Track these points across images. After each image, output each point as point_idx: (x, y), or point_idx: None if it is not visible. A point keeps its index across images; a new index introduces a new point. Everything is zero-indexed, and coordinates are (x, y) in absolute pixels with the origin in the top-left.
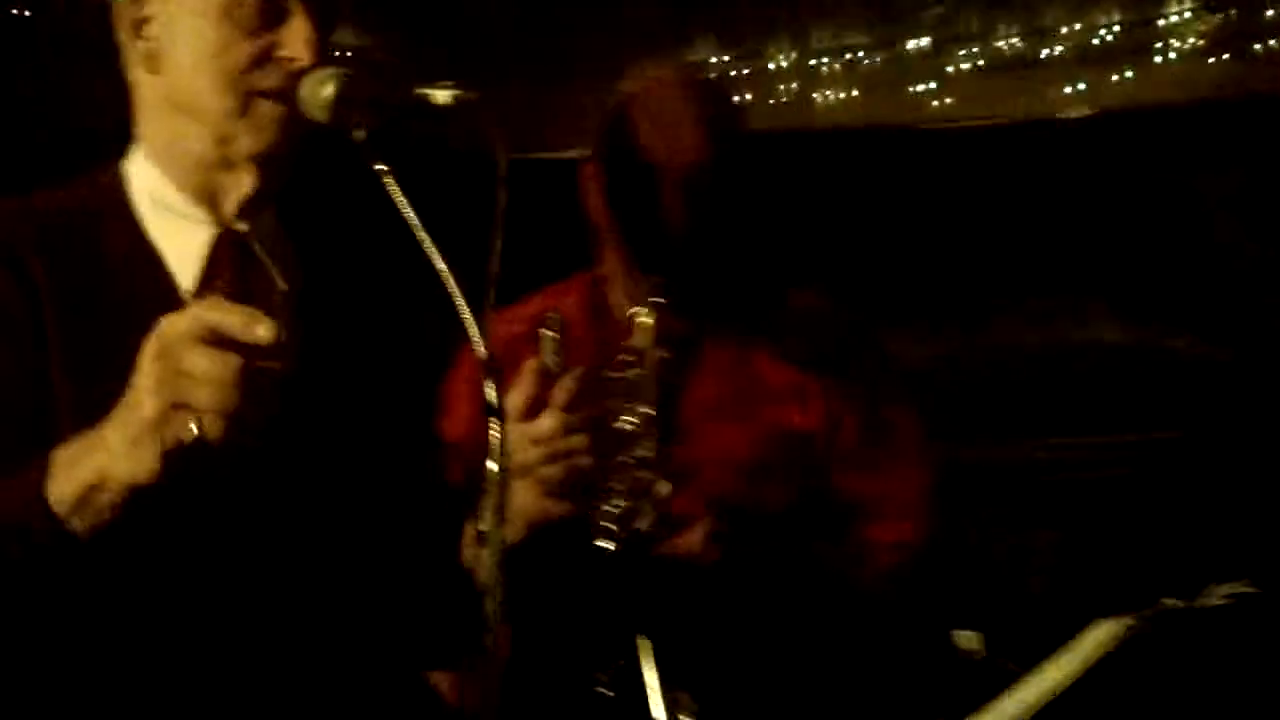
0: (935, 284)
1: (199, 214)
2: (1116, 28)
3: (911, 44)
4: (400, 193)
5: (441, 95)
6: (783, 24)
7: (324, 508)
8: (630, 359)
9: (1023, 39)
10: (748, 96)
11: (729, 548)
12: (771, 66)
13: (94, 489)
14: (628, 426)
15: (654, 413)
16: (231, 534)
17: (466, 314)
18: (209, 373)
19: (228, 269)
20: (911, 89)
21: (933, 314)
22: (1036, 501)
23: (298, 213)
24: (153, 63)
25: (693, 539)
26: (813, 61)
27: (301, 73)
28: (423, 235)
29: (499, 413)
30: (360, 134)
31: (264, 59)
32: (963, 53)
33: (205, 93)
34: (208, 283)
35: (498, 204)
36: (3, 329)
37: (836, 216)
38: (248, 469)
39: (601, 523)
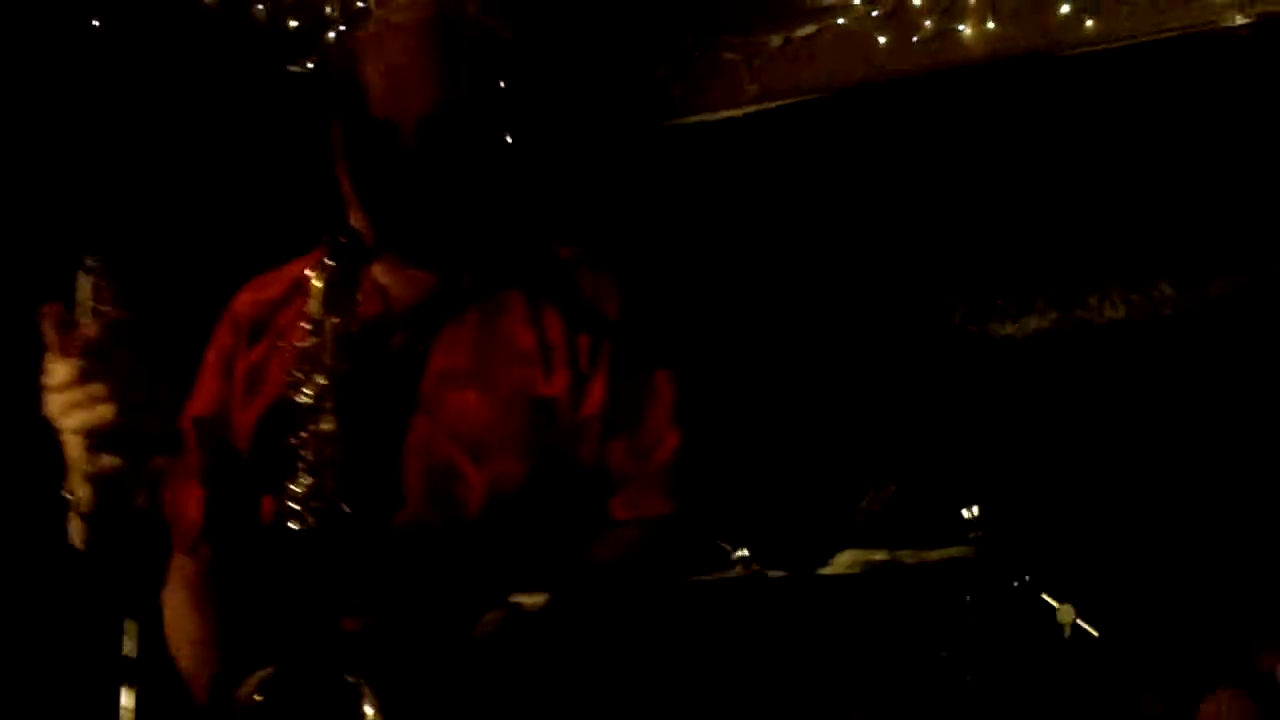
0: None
1: None
2: None
3: None
4: None
5: None
6: None
7: None
8: (308, 327)
9: None
10: (884, 40)
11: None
12: (913, 2)
13: None
14: (303, 399)
15: (328, 384)
16: None
17: None
18: None
19: None
20: (1057, 12)
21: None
22: None
23: None
24: None
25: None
26: None
27: None
28: None
29: None
30: None
31: None
32: None
33: None
34: None
35: None
36: None
37: (989, 153)
38: None
39: (288, 502)
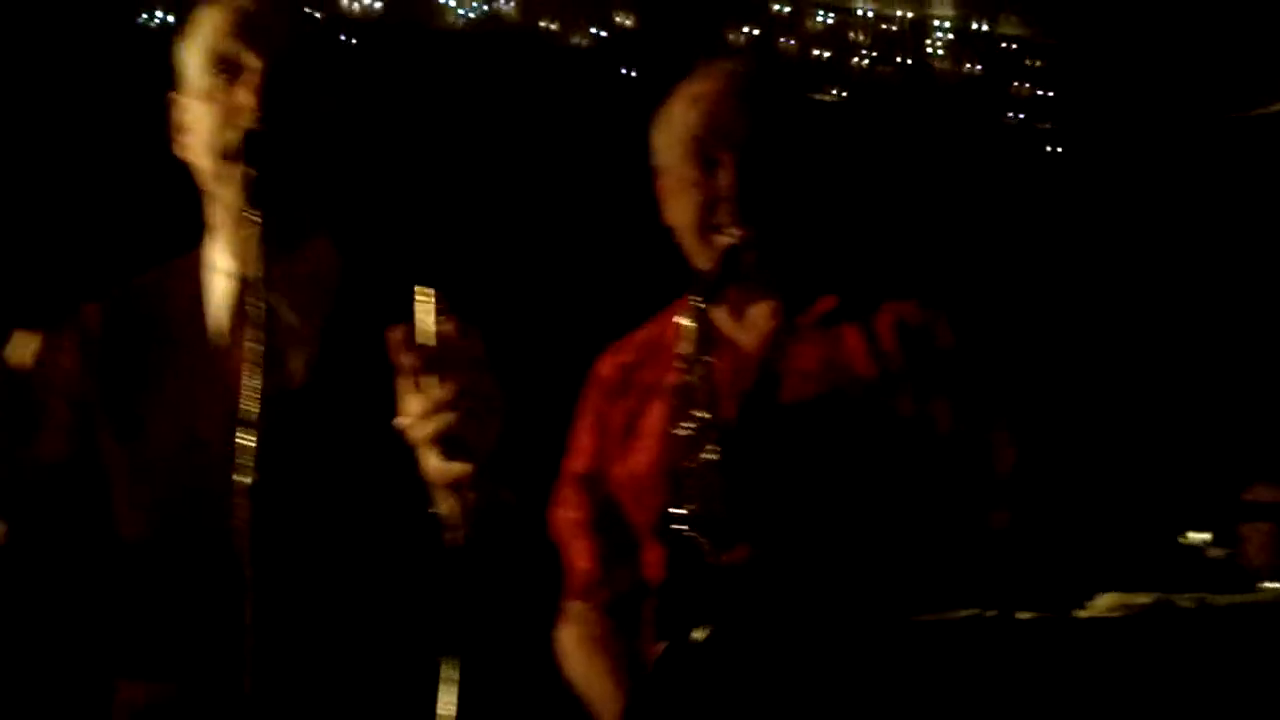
0: None
1: (232, 268)
2: None
3: None
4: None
5: None
6: None
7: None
8: (682, 366)
9: None
10: None
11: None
12: None
13: None
14: (684, 433)
15: (709, 417)
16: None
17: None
18: None
19: (244, 312)
20: None
21: None
22: None
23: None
24: (191, 153)
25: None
26: None
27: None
28: None
29: None
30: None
31: (228, 119)
32: None
33: (201, 163)
34: (236, 323)
35: None
36: (71, 398)
37: None
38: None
39: (672, 526)
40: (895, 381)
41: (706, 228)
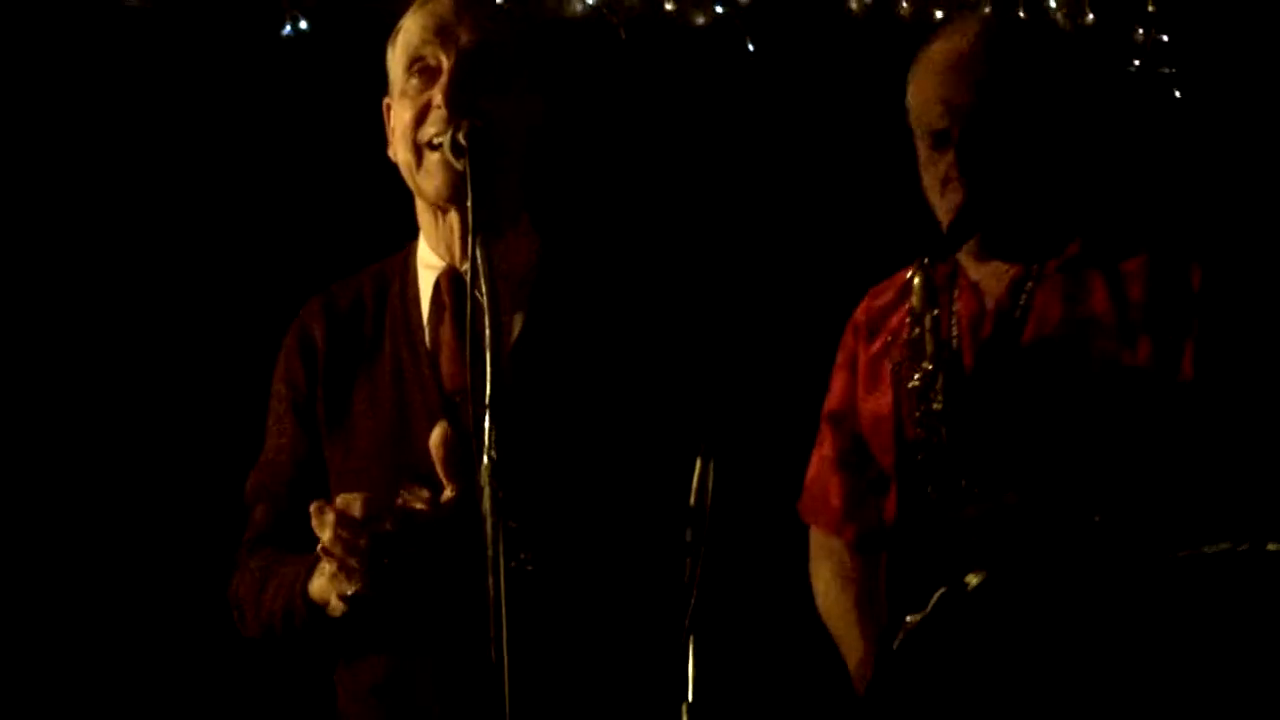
0: None
1: (438, 261)
2: None
3: None
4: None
5: None
6: None
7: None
8: (910, 320)
9: None
10: None
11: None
12: None
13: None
14: (912, 384)
15: (933, 368)
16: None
17: None
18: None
19: (448, 303)
20: None
21: None
22: None
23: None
24: (395, 149)
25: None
26: None
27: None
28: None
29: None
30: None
31: (423, 115)
32: None
33: (400, 155)
34: (435, 315)
35: None
36: (296, 407)
37: None
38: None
39: (903, 473)
40: (1139, 329)
41: (938, 194)
